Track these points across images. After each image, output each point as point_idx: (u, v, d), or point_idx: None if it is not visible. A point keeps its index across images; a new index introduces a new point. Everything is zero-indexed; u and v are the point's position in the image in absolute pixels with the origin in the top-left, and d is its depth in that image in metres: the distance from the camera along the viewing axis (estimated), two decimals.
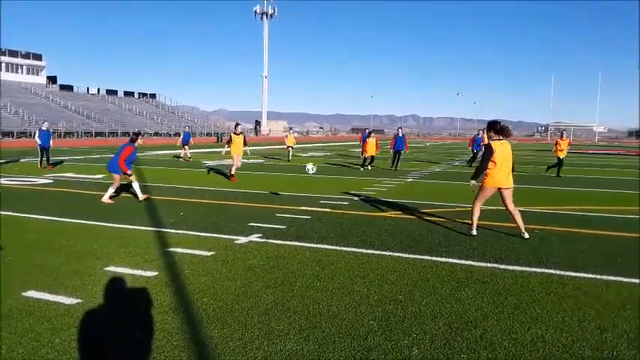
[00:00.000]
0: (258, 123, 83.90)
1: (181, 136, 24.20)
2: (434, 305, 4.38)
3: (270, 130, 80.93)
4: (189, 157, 23.05)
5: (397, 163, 19.01)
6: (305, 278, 5.05)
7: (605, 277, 5.22)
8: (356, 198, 10.88)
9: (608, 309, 4.33)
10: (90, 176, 14.85)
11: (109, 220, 7.90)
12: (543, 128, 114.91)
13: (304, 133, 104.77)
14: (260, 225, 7.58)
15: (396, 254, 6.06)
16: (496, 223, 8.05)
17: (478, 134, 21.44)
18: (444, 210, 9.40)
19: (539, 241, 6.89)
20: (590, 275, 5.29)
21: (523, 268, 5.52)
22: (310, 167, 13.01)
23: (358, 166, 19.96)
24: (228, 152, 14.51)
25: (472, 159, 21.78)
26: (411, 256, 6.00)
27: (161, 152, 28.98)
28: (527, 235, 7.01)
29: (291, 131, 27.74)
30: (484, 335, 3.76)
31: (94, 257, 5.72)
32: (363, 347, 3.53)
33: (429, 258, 5.92)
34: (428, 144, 56.61)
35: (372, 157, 19.41)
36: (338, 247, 6.33)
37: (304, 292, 4.63)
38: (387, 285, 4.90)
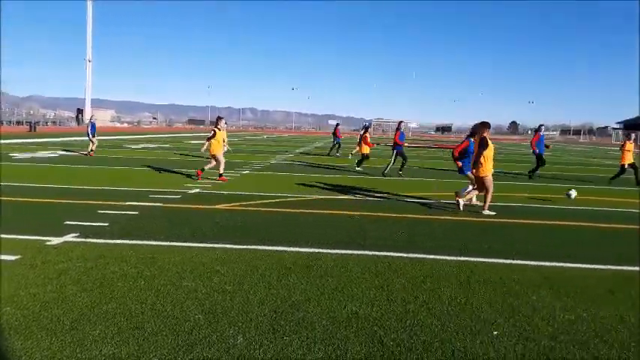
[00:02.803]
0: (80, 111, 76.29)
1: (89, 128, 20.59)
2: (261, 292, 4.50)
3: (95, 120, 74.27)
4: (92, 151, 20.10)
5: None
6: (127, 278, 4.77)
7: (410, 255, 5.91)
8: (190, 191, 10.59)
9: (412, 283, 4.92)
10: None
11: None
12: (368, 123, 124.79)
13: (135, 124, 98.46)
14: (78, 223, 6.93)
15: (228, 246, 6.07)
16: (326, 211, 8.57)
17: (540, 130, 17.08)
18: (275, 200, 9.68)
19: (359, 225, 7.51)
20: (397, 254, 5.94)
21: (343, 251, 5.97)
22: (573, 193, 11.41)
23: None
24: (207, 149, 12.92)
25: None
26: (243, 246, 6.06)
27: None
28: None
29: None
30: (306, 316, 3.99)
31: None
32: (187, 342, 3.48)
33: (259, 247, 6.05)
34: (265, 136, 57.52)
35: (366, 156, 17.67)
36: (166, 243, 6.11)
37: (126, 293, 4.38)
38: (217, 277, 4.89)
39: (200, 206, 8.82)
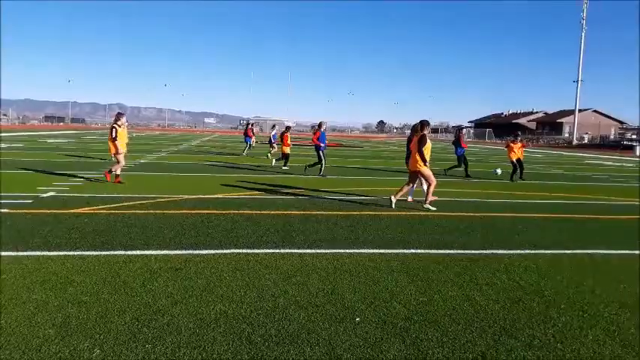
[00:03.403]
0: None
1: None
2: (122, 301, 4.24)
3: None
4: None
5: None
6: None
7: (283, 251, 6.01)
8: (43, 195, 9.62)
9: (282, 278, 5.00)
10: None
11: None
12: (245, 121, 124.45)
13: None
14: None
15: (87, 253, 5.63)
16: (199, 211, 8.34)
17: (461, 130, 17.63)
18: (144, 202, 9.21)
19: (232, 224, 7.44)
20: (270, 250, 6.00)
21: (215, 251, 5.87)
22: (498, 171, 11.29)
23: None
24: (117, 150, 11.93)
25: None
26: (104, 253, 5.67)
27: None
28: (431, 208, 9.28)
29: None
30: (171, 321, 3.85)
31: None
32: None
33: (123, 253, 5.70)
34: (135, 134, 54.30)
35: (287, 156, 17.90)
36: (12, 253, 5.48)
37: None
38: (71, 287, 4.51)
39: (56, 211, 8.05)
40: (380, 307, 4.31)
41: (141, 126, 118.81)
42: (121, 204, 8.85)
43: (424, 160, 9.35)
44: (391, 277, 5.15)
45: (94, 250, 5.73)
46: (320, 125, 15.84)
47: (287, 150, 17.99)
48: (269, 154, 23.20)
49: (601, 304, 4.60)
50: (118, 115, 12.38)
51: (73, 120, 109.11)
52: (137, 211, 8.22)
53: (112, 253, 5.69)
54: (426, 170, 9.42)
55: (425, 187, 9.73)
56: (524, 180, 15.67)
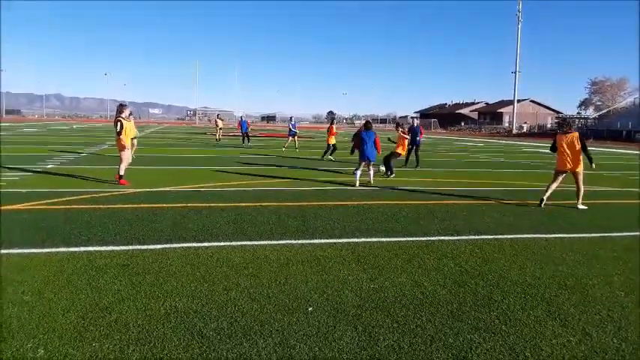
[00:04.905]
0: None
1: None
2: (67, 299, 4.08)
3: None
4: None
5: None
6: None
7: (234, 243, 5.95)
8: None
9: (234, 270, 4.96)
10: None
11: None
12: (192, 112, 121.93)
13: None
14: None
15: (27, 251, 5.37)
16: (146, 205, 8.12)
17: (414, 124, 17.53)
18: (87, 196, 8.86)
19: (182, 217, 7.29)
20: (222, 243, 5.93)
21: (164, 246, 5.74)
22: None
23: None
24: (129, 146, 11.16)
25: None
26: (46, 250, 5.42)
27: None
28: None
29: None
30: (119, 318, 3.75)
31: None
32: None
33: (66, 249, 5.47)
34: (75, 126, 51.98)
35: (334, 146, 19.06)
36: None
37: None
38: (12, 287, 4.29)
39: None
40: (333, 296, 4.37)
41: (80, 117, 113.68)
42: (62, 199, 8.48)
43: (590, 160, 9.24)
44: (342, 265, 5.22)
45: (36, 248, 5.47)
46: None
47: (332, 141, 18.87)
48: (284, 147, 24.19)
49: (541, 285, 4.85)
50: (121, 107, 10.89)
51: (8, 112, 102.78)
52: (79, 206, 7.90)
53: (54, 250, 5.45)
54: (581, 172, 9.27)
55: (556, 185, 9.42)
56: (389, 176, 13.48)
